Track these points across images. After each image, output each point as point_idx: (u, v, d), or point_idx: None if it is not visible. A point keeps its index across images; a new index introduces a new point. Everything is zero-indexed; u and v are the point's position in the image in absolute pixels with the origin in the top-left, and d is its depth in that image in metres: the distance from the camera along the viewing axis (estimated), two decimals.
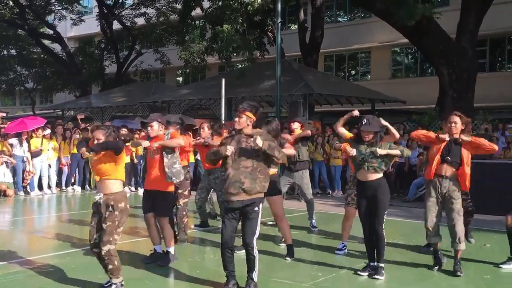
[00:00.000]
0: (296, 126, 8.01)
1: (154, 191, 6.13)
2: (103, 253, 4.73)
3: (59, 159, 13.77)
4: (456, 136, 5.87)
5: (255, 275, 4.99)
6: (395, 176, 12.81)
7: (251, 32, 21.15)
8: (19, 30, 29.92)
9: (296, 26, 24.24)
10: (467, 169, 5.85)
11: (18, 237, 8.13)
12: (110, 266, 4.79)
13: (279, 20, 14.31)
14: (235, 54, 19.80)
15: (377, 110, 21.93)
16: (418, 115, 18.98)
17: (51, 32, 30.19)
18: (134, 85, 28.61)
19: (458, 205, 5.86)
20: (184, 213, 7.09)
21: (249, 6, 18.69)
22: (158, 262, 6.06)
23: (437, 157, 5.88)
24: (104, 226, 4.77)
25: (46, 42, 30.93)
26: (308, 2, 23.24)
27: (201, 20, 23.41)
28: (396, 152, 5.60)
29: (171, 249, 6.17)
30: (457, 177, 5.87)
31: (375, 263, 5.65)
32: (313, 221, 8.36)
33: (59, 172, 13.99)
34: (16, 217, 10.28)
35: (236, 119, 5.02)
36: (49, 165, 13.47)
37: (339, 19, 30.16)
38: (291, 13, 28.17)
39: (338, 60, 30.07)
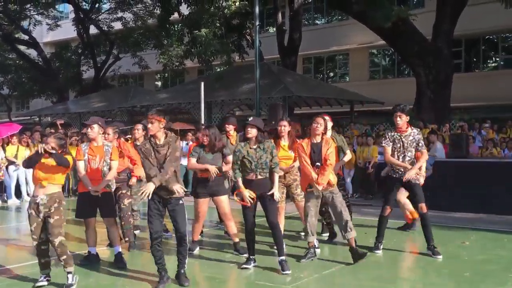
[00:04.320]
0: (230, 128, 7.81)
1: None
2: (56, 245, 5.15)
3: None
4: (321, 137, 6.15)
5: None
6: (374, 176, 12.86)
7: (229, 36, 21.16)
8: None
9: (274, 29, 24.32)
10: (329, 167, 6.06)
11: None
12: (64, 257, 5.19)
13: (258, 23, 14.34)
14: (213, 58, 19.78)
15: (356, 111, 22.12)
16: None
17: (26, 37, 29.80)
18: (112, 90, 28.37)
19: (339, 197, 6.20)
20: (130, 213, 6.94)
21: (226, 10, 18.70)
22: (118, 265, 6.11)
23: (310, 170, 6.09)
24: (51, 221, 5.20)
25: (22, 47, 30.50)
26: (286, 5, 23.33)
27: (179, 25, 23.33)
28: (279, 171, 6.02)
29: (120, 248, 6.29)
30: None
31: (280, 258, 5.79)
32: None
33: None
34: None
35: (149, 125, 5.24)
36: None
37: (317, 21, 30.36)
38: (269, 16, 28.24)
39: (316, 62, 30.25)
